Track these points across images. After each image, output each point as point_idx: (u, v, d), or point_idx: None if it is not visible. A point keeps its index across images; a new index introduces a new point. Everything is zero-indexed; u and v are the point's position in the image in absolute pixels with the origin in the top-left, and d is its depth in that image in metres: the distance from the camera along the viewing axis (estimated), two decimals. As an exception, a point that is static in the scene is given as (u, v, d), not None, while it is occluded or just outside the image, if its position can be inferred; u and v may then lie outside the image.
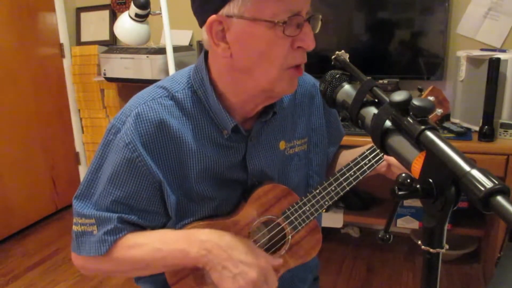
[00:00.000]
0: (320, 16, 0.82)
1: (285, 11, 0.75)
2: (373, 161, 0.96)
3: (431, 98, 0.90)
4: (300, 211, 0.95)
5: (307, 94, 1.02)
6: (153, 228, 0.91)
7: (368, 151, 0.97)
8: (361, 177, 0.96)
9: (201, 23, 0.81)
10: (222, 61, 0.83)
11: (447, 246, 0.54)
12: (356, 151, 1.05)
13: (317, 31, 0.83)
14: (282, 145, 0.98)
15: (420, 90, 0.92)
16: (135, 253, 0.86)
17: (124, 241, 0.87)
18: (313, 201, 0.95)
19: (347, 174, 0.96)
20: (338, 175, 0.96)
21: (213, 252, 0.82)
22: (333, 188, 0.96)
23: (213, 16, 0.77)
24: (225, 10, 0.76)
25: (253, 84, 0.83)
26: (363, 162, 0.96)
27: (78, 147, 3.09)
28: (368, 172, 0.96)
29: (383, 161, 0.97)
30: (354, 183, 0.96)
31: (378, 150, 0.96)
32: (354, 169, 0.96)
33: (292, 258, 0.98)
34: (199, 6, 0.80)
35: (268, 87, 0.82)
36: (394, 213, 0.69)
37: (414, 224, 2.25)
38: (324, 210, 0.97)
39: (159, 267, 0.88)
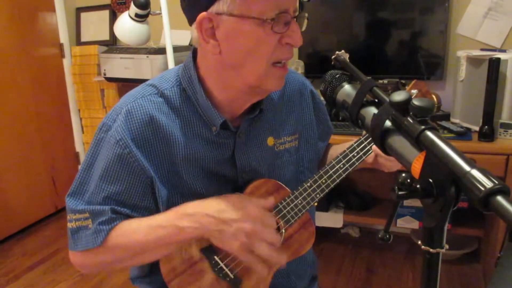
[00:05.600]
0: (307, 15, 0.84)
1: (273, 8, 0.76)
2: (361, 153, 0.98)
3: (414, 91, 0.91)
4: (292, 205, 0.96)
5: (296, 92, 1.04)
6: None
7: (356, 143, 0.99)
8: (350, 169, 0.98)
9: (191, 21, 0.82)
10: (211, 58, 0.84)
11: (447, 246, 0.54)
12: (345, 145, 1.07)
13: (303, 29, 0.84)
14: (270, 141, 0.99)
15: (403, 85, 0.93)
16: (130, 238, 0.86)
17: (118, 228, 0.87)
18: (305, 194, 0.97)
19: (337, 167, 0.98)
20: (328, 167, 0.98)
21: (204, 223, 0.82)
22: (323, 181, 0.97)
23: (203, 14, 0.78)
24: (214, 8, 0.78)
25: (241, 81, 0.84)
26: (352, 154, 0.98)
27: (78, 147, 3.09)
28: (356, 164, 0.98)
29: (371, 152, 0.99)
30: (343, 175, 0.98)
31: (365, 143, 0.98)
32: (343, 161, 0.98)
33: (287, 252, 0.98)
34: (189, 4, 0.82)
35: (256, 83, 0.84)
36: (394, 213, 0.69)
37: (414, 224, 2.25)
38: (315, 203, 0.99)
39: (157, 250, 0.88)
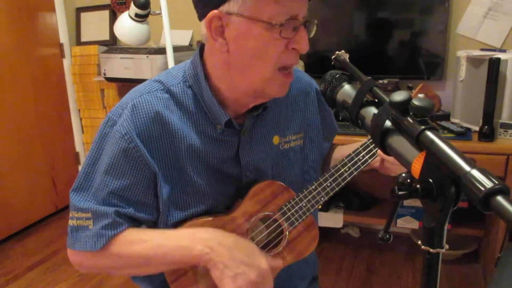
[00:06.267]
0: (316, 21, 0.85)
1: (283, 13, 0.77)
2: (366, 157, 0.98)
3: (421, 95, 0.91)
4: (296, 207, 0.96)
5: (302, 91, 1.04)
6: (149, 222, 0.91)
7: (362, 147, 0.99)
8: (355, 173, 0.98)
9: (201, 17, 0.83)
10: (219, 56, 0.84)
11: (447, 246, 0.54)
12: (350, 146, 1.07)
13: (312, 35, 0.85)
14: (275, 139, 1.00)
15: (410, 88, 0.93)
16: (136, 249, 0.86)
17: (125, 236, 0.87)
18: (309, 197, 0.97)
19: (342, 170, 0.98)
20: (333, 171, 0.98)
21: (216, 251, 0.82)
22: (328, 184, 0.97)
23: (214, 12, 0.79)
24: (225, 7, 0.78)
25: (246, 83, 0.85)
26: (357, 158, 0.98)
27: (78, 147, 3.09)
28: (362, 167, 0.98)
29: (376, 156, 0.98)
30: (349, 178, 0.98)
31: (371, 146, 0.98)
32: (349, 164, 0.98)
33: (290, 254, 0.99)
34: (200, 0, 0.82)
35: (260, 87, 0.84)
36: (394, 213, 0.69)
37: (414, 224, 2.25)
38: (320, 206, 0.98)
39: (159, 265, 0.88)
